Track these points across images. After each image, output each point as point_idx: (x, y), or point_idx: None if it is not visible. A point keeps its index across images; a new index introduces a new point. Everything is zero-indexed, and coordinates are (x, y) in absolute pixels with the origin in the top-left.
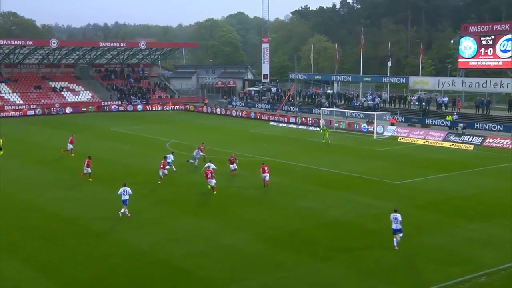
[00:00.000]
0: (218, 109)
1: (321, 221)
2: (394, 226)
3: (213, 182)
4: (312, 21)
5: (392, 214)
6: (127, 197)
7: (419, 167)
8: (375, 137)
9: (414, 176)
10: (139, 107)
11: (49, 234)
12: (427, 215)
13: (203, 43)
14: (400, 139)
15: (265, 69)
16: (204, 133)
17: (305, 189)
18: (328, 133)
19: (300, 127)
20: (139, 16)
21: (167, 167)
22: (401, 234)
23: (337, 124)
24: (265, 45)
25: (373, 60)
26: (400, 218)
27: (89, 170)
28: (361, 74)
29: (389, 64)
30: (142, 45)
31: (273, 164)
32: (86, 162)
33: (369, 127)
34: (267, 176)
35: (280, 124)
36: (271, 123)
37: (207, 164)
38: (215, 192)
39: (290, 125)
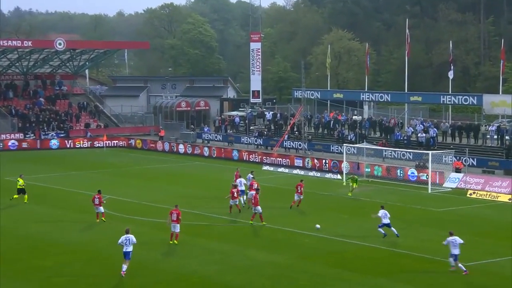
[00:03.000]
0: (181, 146)
1: None
2: (453, 251)
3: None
4: (329, 8)
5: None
6: (130, 249)
7: (504, 240)
8: (430, 191)
9: (494, 255)
10: (54, 142)
11: None
12: None
13: (157, 42)
14: (470, 194)
15: (256, 83)
16: (157, 184)
17: (318, 273)
18: (357, 184)
19: (310, 173)
20: (54, 0)
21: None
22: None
23: (369, 170)
24: (256, 45)
25: (425, 69)
26: (459, 240)
27: (102, 209)
28: (406, 91)
29: (451, 75)
30: (60, 44)
31: (267, 233)
32: (97, 199)
33: (420, 174)
34: (300, 196)
35: (279, 169)
36: (264, 168)
37: (252, 189)
38: (264, 223)
39: (295, 171)
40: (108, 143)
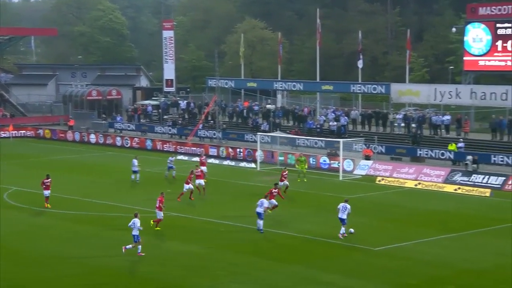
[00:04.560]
0: (92, 136)
1: None
2: (340, 215)
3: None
4: None
5: (342, 204)
6: (135, 232)
7: (409, 225)
8: (341, 178)
9: (401, 239)
10: None
11: None
12: None
13: (65, 30)
14: (379, 181)
15: (169, 71)
16: (69, 175)
17: (234, 262)
18: (306, 167)
19: (225, 162)
20: None
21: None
22: (343, 229)
23: (282, 158)
24: (168, 34)
25: (336, 59)
26: (348, 209)
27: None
28: (318, 80)
29: (360, 64)
30: None
31: (183, 223)
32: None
33: (331, 161)
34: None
35: (194, 159)
36: (178, 157)
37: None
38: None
39: (210, 160)
40: (15, 133)
